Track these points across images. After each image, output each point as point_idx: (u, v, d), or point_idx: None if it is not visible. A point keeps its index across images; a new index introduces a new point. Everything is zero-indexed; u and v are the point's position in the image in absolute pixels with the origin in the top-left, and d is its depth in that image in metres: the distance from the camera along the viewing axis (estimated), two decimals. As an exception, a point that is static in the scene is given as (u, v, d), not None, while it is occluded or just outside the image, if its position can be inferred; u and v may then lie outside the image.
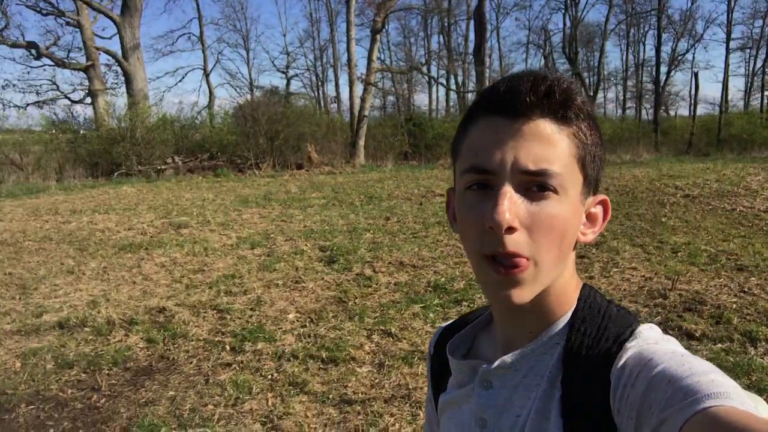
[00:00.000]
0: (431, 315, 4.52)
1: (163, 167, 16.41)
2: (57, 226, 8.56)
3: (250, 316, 4.65)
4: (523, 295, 0.65)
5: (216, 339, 4.19)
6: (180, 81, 37.93)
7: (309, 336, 4.22)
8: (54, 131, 17.70)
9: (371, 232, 7.52)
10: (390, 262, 6.02)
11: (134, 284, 5.56)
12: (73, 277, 5.83)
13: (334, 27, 36.64)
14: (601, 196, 0.72)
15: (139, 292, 5.32)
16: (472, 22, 27.07)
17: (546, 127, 0.64)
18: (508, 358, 0.71)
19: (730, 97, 32.93)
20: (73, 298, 5.16)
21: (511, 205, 0.62)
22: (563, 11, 33.85)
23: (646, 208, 8.12)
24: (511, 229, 0.62)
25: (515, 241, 0.63)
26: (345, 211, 9.16)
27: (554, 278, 0.68)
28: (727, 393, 0.50)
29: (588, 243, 0.72)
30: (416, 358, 3.74)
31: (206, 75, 31.31)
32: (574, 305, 0.71)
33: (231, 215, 9.17)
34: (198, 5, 31.08)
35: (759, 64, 32.91)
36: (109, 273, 5.95)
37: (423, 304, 4.74)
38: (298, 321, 4.55)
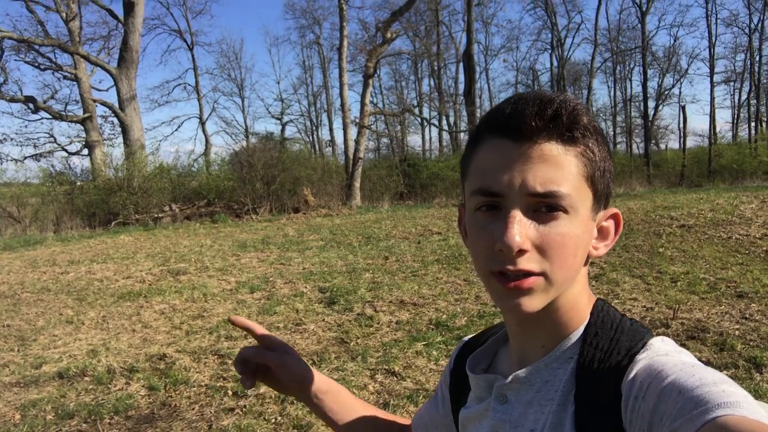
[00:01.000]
0: (434, 353, 4.49)
1: (160, 215, 16.46)
2: (55, 277, 8.52)
3: (252, 360, 4.60)
4: (533, 303, 0.65)
5: (218, 384, 4.15)
6: (176, 130, 38.73)
7: (312, 378, 4.17)
8: (51, 183, 17.81)
9: (370, 272, 7.52)
10: (390, 301, 6.01)
11: (134, 332, 5.52)
12: (72, 327, 5.79)
13: (326, 73, 37.57)
14: (613, 210, 0.72)
15: (139, 339, 5.28)
16: (461, 65, 27.70)
17: (552, 149, 0.64)
18: (521, 372, 0.71)
19: (718, 128, 33.56)
20: (73, 348, 5.11)
21: (521, 228, 0.62)
22: (550, 51, 34.84)
23: (643, 240, 8.17)
24: (521, 252, 0.63)
25: (526, 260, 0.63)
26: (343, 252, 9.17)
27: (565, 290, 0.68)
28: (738, 402, 0.50)
29: (600, 257, 0.72)
30: (421, 397, 3.70)
31: (202, 123, 31.87)
32: (587, 319, 0.70)
33: (229, 260, 9.16)
34: (193, 56, 32.03)
35: (744, 96, 33.65)
36: (109, 322, 5.91)
37: (425, 342, 4.72)
38: (300, 363, 4.50)
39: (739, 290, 5.49)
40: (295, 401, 3.77)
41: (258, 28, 71.00)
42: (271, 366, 0.94)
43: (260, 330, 0.97)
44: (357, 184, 18.83)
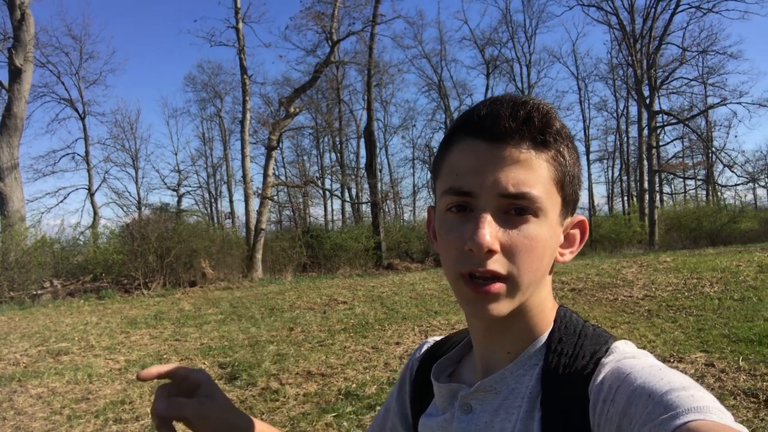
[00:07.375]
0: (345, 424, 4.32)
1: (39, 292, 15.04)
2: None
3: (145, 444, 4.19)
4: (500, 308, 0.65)
5: (105, 473, 3.71)
6: (61, 201, 35.69)
7: (213, 459, 3.84)
8: None
9: (275, 343, 7.22)
10: (297, 373, 5.77)
11: (5, 421, 4.86)
12: (-75, 420, 5.00)
13: (227, 145, 37.25)
14: (579, 217, 0.73)
15: (10, 429, 4.65)
16: (362, 140, 28.61)
17: (525, 151, 0.65)
18: (487, 380, 0.70)
19: (596, 202, 36.67)
20: (-74, 444, 4.41)
21: (491, 228, 0.62)
22: (444, 131, 36.85)
23: (540, 303, 8.54)
24: (490, 252, 0.63)
25: (493, 262, 0.63)
26: (245, 325, 8.78)
27: (530, 295, 0.68)
28: (707, 407, 0.51)
29: (565, 263, 0.73)
30: (333, 470, 3.52)
31: (91, 195, 30.06)
32: (552, 326, 0.71)
33: (118, 338, 8.45)
34: (84, 126, 30.39)
35: (616, 172, 37.25)
36: (-27, 411, 5.18)
37: (335, 413, 4.53)
38: (199, 444, 4.15)
39: (629, 347, 5.83)
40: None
41: (156, 99, 69.69)
42: (190, 419, 0.75)
43: (174, 368, 0.81)
44: (259, 255, 18.39)
